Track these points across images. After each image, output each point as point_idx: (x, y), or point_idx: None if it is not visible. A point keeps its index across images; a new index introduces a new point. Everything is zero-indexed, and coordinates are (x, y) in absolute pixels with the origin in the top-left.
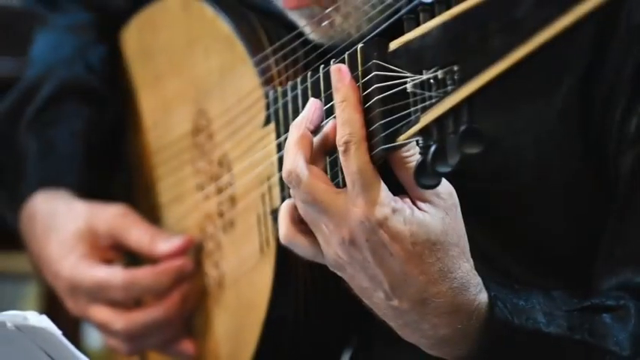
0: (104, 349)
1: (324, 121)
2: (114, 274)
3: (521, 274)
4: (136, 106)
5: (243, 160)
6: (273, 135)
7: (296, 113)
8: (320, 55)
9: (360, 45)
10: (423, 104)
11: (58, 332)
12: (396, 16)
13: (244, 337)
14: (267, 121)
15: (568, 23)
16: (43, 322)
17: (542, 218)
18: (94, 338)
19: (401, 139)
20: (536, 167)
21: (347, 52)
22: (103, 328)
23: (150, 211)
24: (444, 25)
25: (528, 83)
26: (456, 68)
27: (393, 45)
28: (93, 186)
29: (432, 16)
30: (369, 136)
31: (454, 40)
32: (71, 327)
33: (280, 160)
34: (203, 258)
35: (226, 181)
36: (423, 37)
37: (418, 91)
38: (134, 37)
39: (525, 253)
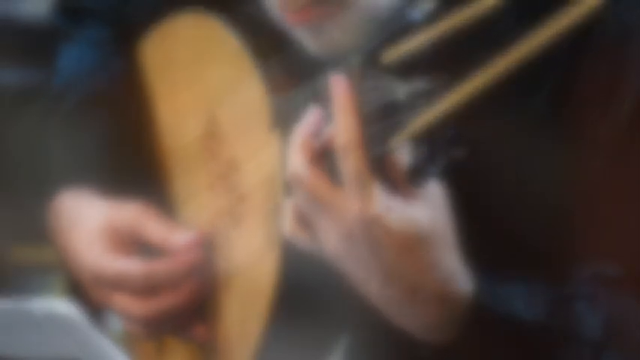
0: (125, 334)
1: (324, 127)
2: (133, 266)
3: (503, 266)
4: (154, 113)
5: (250, 162)
6: (278, 139)
7: (298, 119)
8: (320, 67)
9: (356, 57)
10: (414, 111)
11: (82, 318)
12: (389, 31)
13: (252, 322)
14: (272, 127)
15: (546, 37)
16: (69, 309)
17: (524, 216)
18: (115, 323)
19: (394, 143)
20: (518, 169)
21: (345, 64)
22: (124, 314)
23: (166, 209)
24: (434, 40)
25: (510, 92)
26: (444, 79)
27: (387, 57)
28: (113, 185)
29: (423, 32)
30: (365, 141)
31: (442, 53)
32: (95, 313)
33: (284, 162)
34: (214, 251)
35: (235, 181)
36: (414, 50)
37: (409, 99)
38: (152, 49)
39: (507, 247)
